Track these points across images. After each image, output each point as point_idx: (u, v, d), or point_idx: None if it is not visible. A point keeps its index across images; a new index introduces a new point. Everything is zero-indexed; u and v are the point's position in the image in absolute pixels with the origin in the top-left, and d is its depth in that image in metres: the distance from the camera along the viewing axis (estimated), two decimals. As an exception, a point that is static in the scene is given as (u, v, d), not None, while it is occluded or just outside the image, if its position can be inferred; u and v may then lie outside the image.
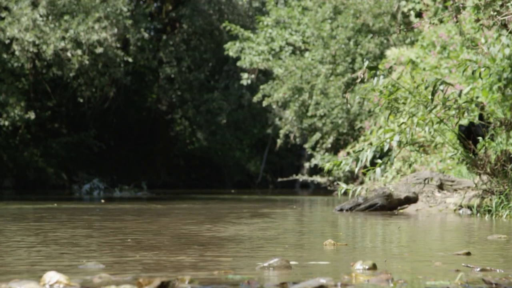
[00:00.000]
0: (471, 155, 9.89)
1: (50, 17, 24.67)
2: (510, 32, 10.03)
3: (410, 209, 10.93)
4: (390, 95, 9.93)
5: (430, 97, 9.45)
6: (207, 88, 33.43)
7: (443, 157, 14.72)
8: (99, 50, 25.00)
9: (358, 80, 9.49)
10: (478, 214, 9.78)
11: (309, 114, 22.67)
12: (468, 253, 5.12)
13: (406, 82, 15.58)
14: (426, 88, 9.48)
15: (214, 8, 32.06)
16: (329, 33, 22.80)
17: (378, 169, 9.64)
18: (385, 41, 22.32)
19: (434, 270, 4.34)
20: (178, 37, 32.59)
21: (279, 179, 28.22)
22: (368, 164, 10.13)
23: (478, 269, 4.29)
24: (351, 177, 21.74)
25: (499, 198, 9.55)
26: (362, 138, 20.14)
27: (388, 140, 9.60)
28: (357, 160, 9.78)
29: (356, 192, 11.01)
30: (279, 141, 24.37)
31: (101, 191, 24.44)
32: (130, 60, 27.08)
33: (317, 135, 22.87)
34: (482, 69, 9.87)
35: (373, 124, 19.43)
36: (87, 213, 10.51)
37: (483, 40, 13.38)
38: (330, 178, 23.31)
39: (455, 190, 11.22)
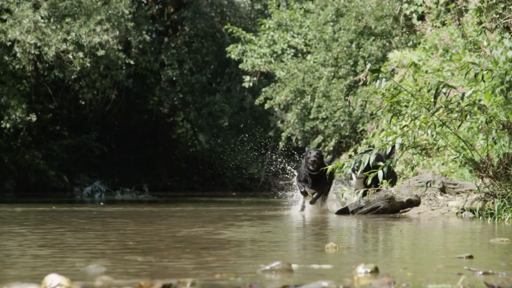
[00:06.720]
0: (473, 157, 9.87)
1: (51, 19, 24.68)
2: (512, 35, 10.01)
3: (412, 212, 10.91)
4: (393, 98, 9.91)
5: (432, 100, 9.43)
6: (209, 91, 33.43)
7: (445, 160, 14.70)
8: (101, 52, 24.99)
9: (360, 83, 9.48)
10: (480, 218, 9.76)
11: (311, 116, 22.66)
12: (471, 257, 5.11)
13: (408, 85, 15.56)
14: (428, 91, 9.45)
15: (216, 10, 32.06)
16: (331, 36, 22.78)
17: (380, 172, 9.61)
18: (387, 44, 22.30)
19: (436, 273, 4.32)
20: (180, 40, 32.59)
21: (281, 182, 28.19)
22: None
23: (481, 273, 4.28)
24: (353, 180, 21.70)
25: (502, 201, 9.53)
26: (364, 141, 20.13)
27: (391, 143, 9.58)
28: (359, 162, 9.75)
29: (358, 194, 10.99)
30: (281, 144, 24.36)
31: (102, 194, 24.43)
32: (132, 62, 27.08)
33: (319, 138, 22.87)
34: (485, 72, 9.84)
35: (375, 127, 19.41)
36: (87, 216, 10.49)
37: (485, 43, 13.36)
38: (332, 180, 23.26)
39: (457, 193, 11.20)
